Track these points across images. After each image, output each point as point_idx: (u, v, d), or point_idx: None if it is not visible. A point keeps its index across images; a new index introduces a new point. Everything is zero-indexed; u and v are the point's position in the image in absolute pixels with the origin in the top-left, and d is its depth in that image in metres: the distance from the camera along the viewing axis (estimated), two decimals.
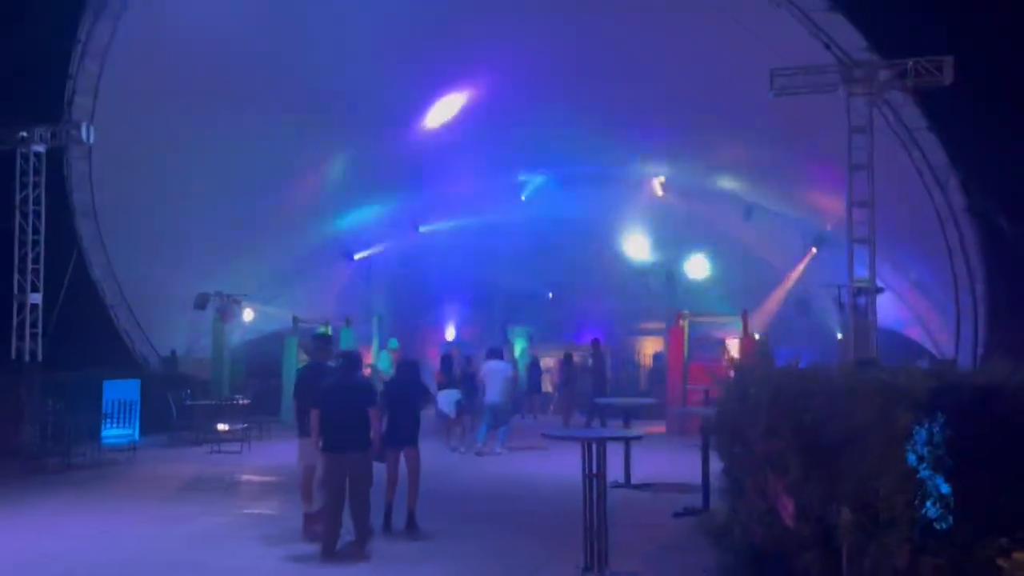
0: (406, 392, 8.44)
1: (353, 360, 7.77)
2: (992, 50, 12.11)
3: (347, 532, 7.32)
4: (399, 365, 8.71)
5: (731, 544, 2.84)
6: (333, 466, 7.23)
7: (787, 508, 2.66)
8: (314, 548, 7.33)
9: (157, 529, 8.19)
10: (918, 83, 11.57)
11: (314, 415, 7.34)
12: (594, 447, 6.67)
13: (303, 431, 8.04)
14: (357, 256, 24.88)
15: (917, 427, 3.94)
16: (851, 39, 11.90)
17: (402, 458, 8.30)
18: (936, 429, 4.18)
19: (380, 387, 8.37)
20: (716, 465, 8.69)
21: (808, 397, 2.82)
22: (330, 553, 7.13)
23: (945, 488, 4.10)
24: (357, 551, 7.21)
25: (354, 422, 7.27)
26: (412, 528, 8.08)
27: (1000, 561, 3.19)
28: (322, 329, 15.94)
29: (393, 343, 21.02)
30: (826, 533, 2.66)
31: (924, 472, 4.02)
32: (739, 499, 2.92)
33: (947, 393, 4.22)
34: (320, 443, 7.34)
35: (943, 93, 11.65)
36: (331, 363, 8.11)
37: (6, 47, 14.01)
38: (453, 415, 14.51)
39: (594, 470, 6.65)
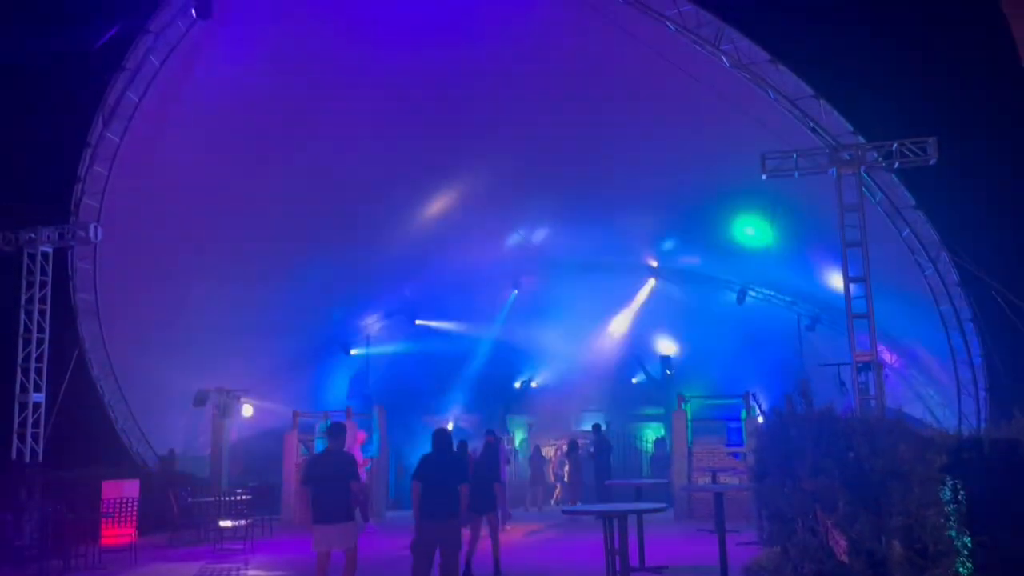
0: (488, 468, 10.53)
1: (448, 441, 8.69)
2: (975, 128, 12.61)
3: None
4: (485, 446, 11.31)
5: None
6: (427, 533, 8.13)
7: (839, 543, 2.73)
8: None
9: None
10: (904, 163, 12.00)
11: (415, 487, 8.29)
12: (615, 522, 6.67)
13: (317, 518, 8.00)
14: (353, 351, 24.91)
15: (941, 486, 4.04)
16: (837, 123, 12.41)
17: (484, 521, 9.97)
18: (959, 486, 4.28)
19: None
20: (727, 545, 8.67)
21: (849, 436, 2.94)
22: None
23: (970, 544, 4.18)
24: None
25: (450, 494, 8.27)
26: (497, 572, 9.82)
27: None
28: (333, 420, 15.93)
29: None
30: (877, 567, 2.73)
31: (951, 531, 4.10)
32: (789, 540, 2.98)
33: (966, 449, 4.33)
34: (417, 512, 8.21)
35: (929, 171, 12.08)
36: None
37: (15, 149, 14.39)
38: None
39: (616, 546, 6.63)
